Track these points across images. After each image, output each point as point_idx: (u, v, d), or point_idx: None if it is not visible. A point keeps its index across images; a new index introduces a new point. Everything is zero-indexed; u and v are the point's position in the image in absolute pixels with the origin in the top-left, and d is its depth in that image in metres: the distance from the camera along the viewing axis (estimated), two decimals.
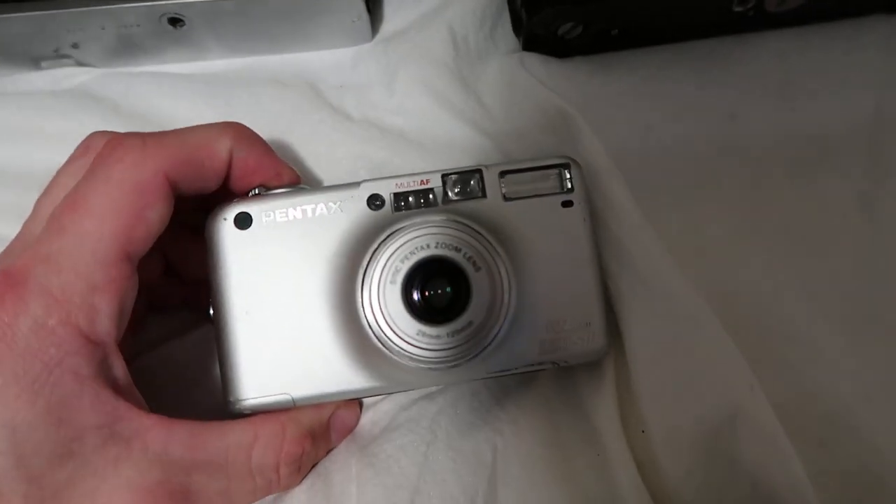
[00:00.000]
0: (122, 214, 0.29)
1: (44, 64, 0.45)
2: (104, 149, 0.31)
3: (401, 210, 0.33)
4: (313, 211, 0.33)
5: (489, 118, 0.42)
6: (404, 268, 0.31)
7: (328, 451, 0.36)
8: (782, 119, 0.42)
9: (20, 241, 0.32)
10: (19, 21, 0.40)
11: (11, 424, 0.27)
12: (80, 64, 0.45)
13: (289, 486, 0.34)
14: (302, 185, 0.35)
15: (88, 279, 0.29)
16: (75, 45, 0.43)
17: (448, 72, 0.43)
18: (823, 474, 0.33)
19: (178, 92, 0.43)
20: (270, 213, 0.32)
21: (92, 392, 0.28)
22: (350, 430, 0.37)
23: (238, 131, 0.33)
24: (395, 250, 0.32)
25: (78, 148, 0.33)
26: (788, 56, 0.43)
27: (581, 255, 0.34)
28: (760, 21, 0.42)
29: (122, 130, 0.33)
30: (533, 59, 0.42)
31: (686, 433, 0.34)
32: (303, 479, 0.35)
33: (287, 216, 0.33)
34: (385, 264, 0.32)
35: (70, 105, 0.43)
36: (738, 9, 0.41)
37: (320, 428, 0.34)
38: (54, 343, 0.28)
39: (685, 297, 0.35)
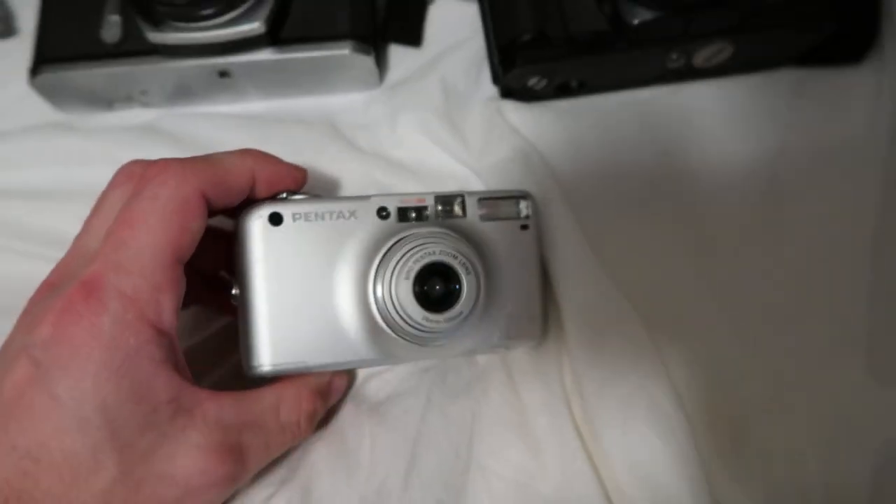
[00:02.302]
0: (171, 227, 0.32)
1: (116, 105, 0.50)
2: (149, 171, 0.33)
3: (404, 221, 0.37)
4: (331, 215, 0.36)
5: (471, 153, 0.47)
6: (416, 267, 0.35)
7: (326, 409, 0.40)
8: (704, 155, 0.46)
9: (76, 253, 0.34)
10: (102, 75, 0.46)
11: (104, 405, 0.29)
12: (146, 106, 0.50)
13: (305, 436, 0.39)
14: (321, 196, 0.38)
15: (153, 281, 0.31)
16: (143, 92, 0.49)
17: (440, 115, 0.48)
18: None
19: (226, 128, 0.49)
20: (298, 214, 0.36)
21: (164, 373, 0.31)
22: (341, 392, 0.41)
23: (256, 155, 0.36)
24: (408, 252, 0.35)
25: (119, 175, 0.35)
26: (710, 102, 0.48)
27: (532, 267, 0.40)
28: (690, 73, 0.47)
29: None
30: (507, 107, 0.47)
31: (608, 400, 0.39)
32: (313, 429, 0.39)
33: (311, 218, 0.36)
34: (398, 263, 0.35)
35: (139, 138, 0.48)
36: (671, 65, 0.46)
37: (324, 389, 0.39)
38: (133, 334, 0.30)
39: (611, 296, 0.41)
